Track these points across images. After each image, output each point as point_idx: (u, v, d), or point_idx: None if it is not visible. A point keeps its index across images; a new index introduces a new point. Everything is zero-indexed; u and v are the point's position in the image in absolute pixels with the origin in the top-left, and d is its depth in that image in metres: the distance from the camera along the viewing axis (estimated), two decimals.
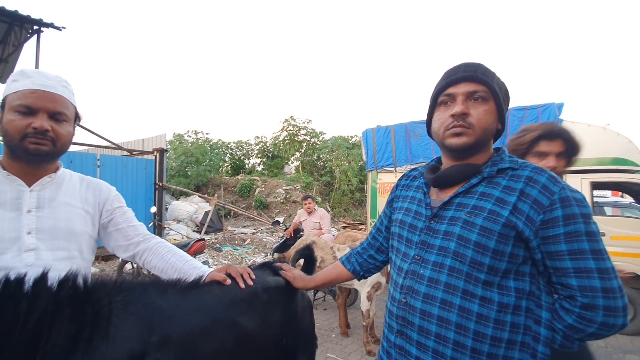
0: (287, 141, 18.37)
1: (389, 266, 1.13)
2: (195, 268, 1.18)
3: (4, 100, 1.01)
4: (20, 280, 0.75)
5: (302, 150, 18.56)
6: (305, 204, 5.30)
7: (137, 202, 7.53)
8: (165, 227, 8.30)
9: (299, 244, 4.06)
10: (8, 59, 7.55)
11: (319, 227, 5.18)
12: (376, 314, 3.63)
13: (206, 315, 1.00)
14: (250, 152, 21.18)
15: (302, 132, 18.56)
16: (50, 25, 6.82)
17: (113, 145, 8.23)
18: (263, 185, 15.46)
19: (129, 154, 8.49)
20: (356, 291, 4.14)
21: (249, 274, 1.18)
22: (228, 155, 20.50)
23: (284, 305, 1.26)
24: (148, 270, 1.22)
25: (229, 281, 1.12)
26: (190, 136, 18.48)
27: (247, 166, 20.86)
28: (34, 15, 6.60)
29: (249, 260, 7.62)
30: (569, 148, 1.42)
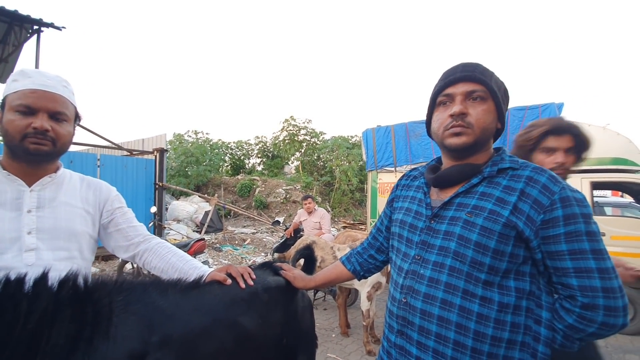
0: (287, 141, 18.37)
1: (389, 266, 1.13)
2: (195, 268, 1.18)
3: (4, 100, 1.01)
4: (20, 280, 0.75)
5: (302, 150, 18.56)
6: (306, 204, 5.30)
7: (137, 202, 7.53)
8: (165, 227, 8.30)
9: (299, 243, 4.07)
10: (8, 59, 7.55)
11: (319, 227, 5.18)
12: (376, 314, 3.63)
13: (207, 315, 1.00)
14: (250, 152, 21.19)
15: (302, 132, 18.56)
16: (50, 25, 6.82)
17: (113, 145, 8.24)
18: (263, 185, 15.46)
19: (129, 154, 8.49)
20: (356, 291, 4.14)
21: (249, 273, 1.18)
22: (228, 155, 20.50)
23: (284, 305, 1.26)
24: (148, 271, 1.22)
25: (229, 281, 1.12)
26: (190, 136, 18.49)
27: (247, 166, 20.86)
28: (34, 15, 6.61)
29: (249, 260, 7.63)
30: (579, 143, 1.38)
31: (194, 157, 15.99)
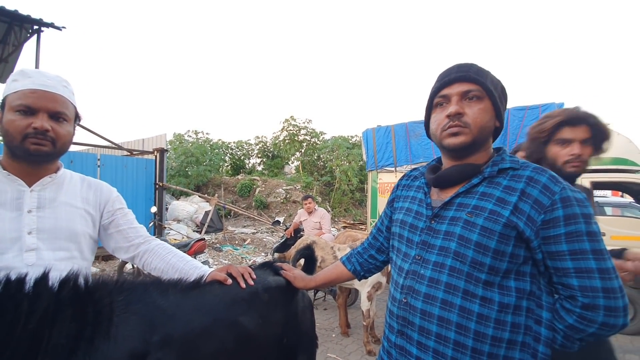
0: (287, 141, 18.37)
1: (389, 266, 1.13)
2: (196, 268, 1.18)
3: (4, 100, 1.01)
4: (21, 280, 0.75)
5: (302, 150, 18.56)
6: (306, 204, 5.30)
7: (137, 202, 7.54)
8: (165, 227, 8.30)
9: (300, 243, 4.07)
10: (8, 59, 7.55)
11: (319, 227, 5.18)
12: (376, 314, 3.63)
13: (207, 315, 1.00)
14: (250, 152, 21.19)
15: (302, 132, 18.56)
16: (51, 25, 6.82)
17: (113, 145, 8.24)
18: (263, 185, 15.46)
19: (129, 153, 8.49)
20: (356, 291, 4.14)
21: (249, 273, 1.18)
22: (228, 155, 20.51)
23: (284, 305, 1.26)
24: (149, 272, 1.22)
25: (230, 281, 1.12)
26: (190, 136, 18.49)
27: (247, 166, 20.86)
28: (34, 15, 6.61)
29: (249, 260, 7.63)
30: (596, 134, 1.31)
31: (194, 157, 15.99)
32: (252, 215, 11.36)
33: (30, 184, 1.04)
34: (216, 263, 7.10)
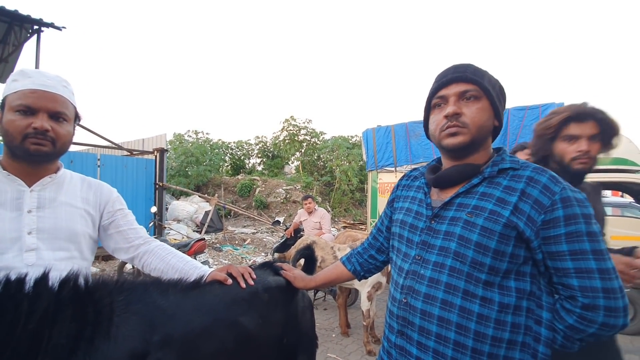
0: (287, 141, 18.37)
1: (389, 266, 1.13)
2: (196, 268, 1.18)
3: (3, 100, 1.01)
4: (21, 280, 0.75)
5: (302, 150, 18.56)
6: (306, 204, 5.30)
7: (137, 202, 7.53)
8: (165, 227, 8.30)
9: (300, 243, 4.07)
10: (8, 59, 7.55)
11: (319, 227, 5.18)
12: (376, 314, 3.63)
13: (207, 315, 1.00)
14: (250, 152, 21.19)
15: (302, 132, 18.56)
16: (51, 25, 6.82)
17: (113, 145, 8.24)
18: (263, 185, 15.46)
19: (129, 153, 8.49)
20: (356, 291, 4.14)
21: (249, 273, 1.18)
22: (228, 155, 20.51)
23: (284, 305, 1.26)
24: (148, 273, 1.22)
25: (230, 281, 1.12)
26: (190, 136, 18.50)
27: (247, 166, 20.86)
28: (34, 15, 6.61)
29: (249, 260, 7.63)
30: (604, 129, 1.27)
31: (194, 157, 15.99)
32: (252, 215, 11.36)
33: (30, 184, 1.04)
34: (216, 263, 7.10)
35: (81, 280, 0.82)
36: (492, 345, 0.82)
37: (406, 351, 0.92)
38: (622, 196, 7.56)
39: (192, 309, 0.98)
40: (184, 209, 11.70)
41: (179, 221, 11.01)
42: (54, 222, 1.05)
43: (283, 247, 5.17)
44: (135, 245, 1.22)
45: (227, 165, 20.33)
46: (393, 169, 6.51)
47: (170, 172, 15.52)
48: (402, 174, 1.19)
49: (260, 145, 20.75)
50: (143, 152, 8.56)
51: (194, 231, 9.90)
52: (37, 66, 6.91)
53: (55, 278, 0.79)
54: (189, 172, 15.77)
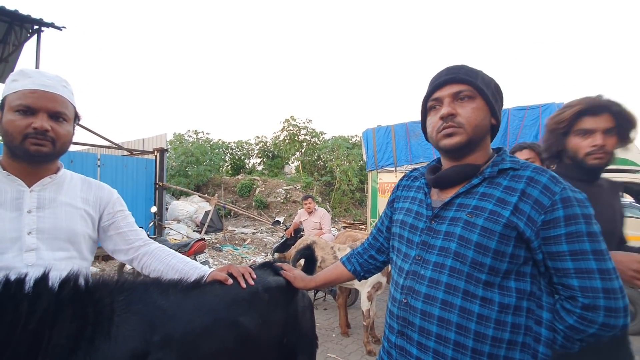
0: (287, 141, 18.38)
1: (389, 266, 1.13)
2: (196, 268, 1.18)
3: (3, 100, 1.01)
4: (21, 280, 0.75)
5: (303, 150, 18.57)
6: (306, 204, 5.31)
7: (137, 201, 7.54)
8: (165, 227, 8.30)
9: (300, 244, 4.07)
10: (8, 59, 7.54)
11: (320, 227, 5.18)
12: (376, 314, 3.63)
13: (208, 315, 1.00)
14: (250, 152, 21.20)
15: (303, 132, 18.57)
16: (51, 25, 6.81)
17: (113, 145, 8.24)
18: (263, 185, 15.46)
19: (129, 153, 8.49)
20: (356, 291, 4.14)
21: (250, 273, 1.18)
22: (228, 155, 20.52)
23: (284, 305, 1.26)
24: (148, 274, 1.22)
25: (230, 281, 1.12)
26: (190, 136, 18.52)
27: (247, 166, 20.87)
28: (34, 15, 6.60)
29: (249, 260, 7.63)
30: (620, 122, 1.22)
31: (194, 157, 16.00)
32: (252, 215, 11.36)
33: (30, 184, 1.04)
34: (216, 263, 7.10)
35: (81, 281, 0.82)
36: (492, 345, 0.82)
37: (406, 351, 0.92)
38: (622, 196, 7.56)
39: (193, 309, 0.98)
40: (184, 209, 11.71)
41: (179, 221, 11.01)
42: (53, 223, 1.05)
43: (283, 247, 5.17)
44: (135, 247, 1.22)
45: (227, 165, 20.34)
46: (393, 169, 6.51)
47: (170, 172, 15.53)
48: (402, 174, 1.19)
49: (260, 145, 20.76)
50: (143, 152, 8.56)
51: (194, 231, 9.90)
52: (37, 66, 6.91)
53: (55, 278, 0.79)
54: (189, 172, 15.77)
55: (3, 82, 8.21)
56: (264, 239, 10.00)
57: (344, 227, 9.50)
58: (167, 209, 10.16)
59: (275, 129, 29.28)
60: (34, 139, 0.98)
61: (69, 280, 0.81)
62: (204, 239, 5.03)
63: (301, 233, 5.26)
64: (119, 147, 8.37)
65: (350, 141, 18.33)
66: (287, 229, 5.47)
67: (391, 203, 1.16)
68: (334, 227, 10.65)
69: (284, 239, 5.41)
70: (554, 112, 1.40)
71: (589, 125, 1.24)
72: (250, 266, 1.26)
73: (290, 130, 18.39)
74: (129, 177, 7.59)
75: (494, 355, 0.82)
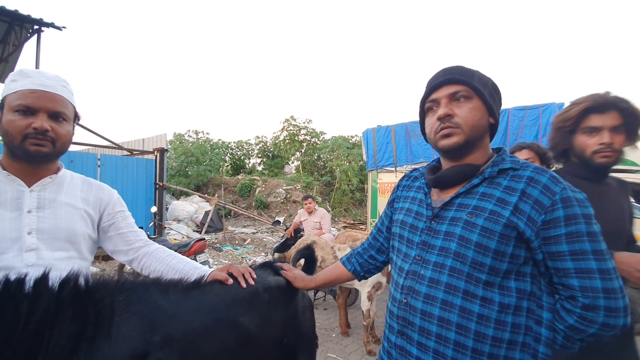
0: (287, 141, 18.38)
1: (389, 266, 1.13)
2: (196, 268, 1.18)
3: (3, 100, 1.01)
4: (21, 280, 0.75)
5: (303, 150, 18.58)
6: (306, 204, 5.31)
7: (137, 201, 7.54)
8: (165, 227, 8.30)
9: (300, 243, 4.07)
10: (8, 59, 7.54)
11: (320, 227, 5.18)
12: (376, 314, 3.63)
13: (208, 315, 1.00)
14: (250, 152, 21.20)
15: (303, 132, 18.57)
16: (51, 25, 6.81)
17: (113, 145, 8.24)
18: (263, 185, 15.46)
19: (129, 153, 8.49)
20: (356, 291, 4.14)
21: (250, 273, 1.18)
22: (228, 155, 20.52)
23: (284, 305, 1.26)
24: (147, 274, 1.23)
25: (231, 280, 1.12)
26: (190, 136, 18.52)
27: (247, 166, 20.87)
28: (35, 15, 6.60)
29: (250, 260, 7.63)
30: (629, 120, 1.19)
31: (194, 157, 16.00)
32: (252, 215, 11.36)
33: (30, 184, 1.04)
34: (216, 263, 7.10)
35: (81, 281, 0.82)
36: (492, 345, 0.82)
37: (406, 351, 0.92)
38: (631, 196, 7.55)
39: (193, 309, 0.98)
40: (184, 208, 11.71)
41: (179, 221, 11.01)
42: (53, 223, 1.05)
43: (283, 247, 5.17)
44: (135, 248, 1.22)
45: (227, 165, 20.34)
46: (393, 169, 6.51)
47: (170, 172, 15.53)
48: (402, 174, 1.19)
49: (260, 145, 20.76)
50: (143, 152, 8.56)
51: (194, 231, 9.90)
52: (37, 66, 6.91)
53: (55, 278, 0.79)
54: (189, 172, 15.78)
55: (3, 82, 8.20)
56: (264, 239, 10.00)
57: (344, 227, 9.51)
58: (167, 209, 10.16)
59: (275, 129, 29.32)
60: (34, 139, 0.98)
61: (69, 280, 0.81)
62: (204, 239, 5.03)
63: (301, 233, 5.26)
64: (119, 147, 8.37)
65: (350, 141, 18.33)
66: (287, 229, 5.47)
67: (391, 203, 1.16)
68: (334, 227, 10.65)
69: (284, 239, 5.40)
70: (554, 111, 1.39)
71: (596, 123, 1.22)
72: (250, 266, 1.26)
73: (290, 130, 18.40)
74: (129, 177, 7.59)
75: (494, 355, 0.82)
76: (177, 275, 1.15)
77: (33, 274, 0.77)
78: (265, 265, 1.36)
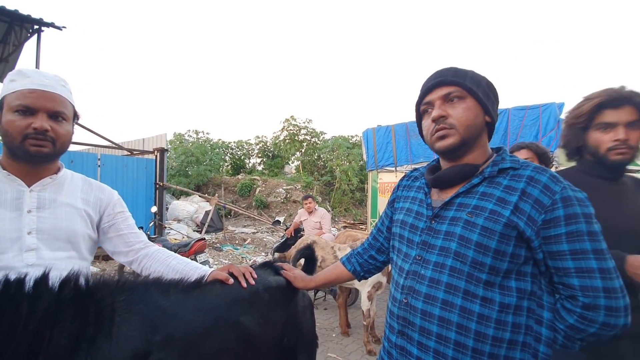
0: (287, 141, 18.38)
1: (389, 266, 1.13)
2: (196, 269, 1.18)
3: (2, 100, 1.00)
4: (21, 280, 0.75)
5: (303, 150, 18.58)
6: (306, 204, 5.31)
7: (137, 201, 7.54)
8: (165, 227, 8.30)
9: (300, 243, 4.07)
10: (8, 59, 7.54)
11: (320, 226, 5.18)
12: (377, 314, 3.63)
13: (208, 315, 1.00)
14: (250, 152, 21.20)
15: (303, 131, 18.57)
16: (51, 24, 6.81)
17: (114, 145, 8.24)
18: (263, 185, 15.46)
19: (129, 153, 8.49)
20: (357, 291, 4.14)
21: (250, 273, 1.18)
22: (228, 154, 20.52)
23: (285, 304, 1.26)
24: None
25: (232, 280, 1.12)
26: (190, 136, 18.52)
27: (247, 166, 20.87)
28: (35, 15, 6.60)
29: (250, 260, 7.63)
30: None
31: (194, 156, 16.00)
32: (252, 215, 11.37)
33: (30, 184, 1.04)
34: (216, 263, 7.10)
35: (82, 280, 0.82)
36: (492, 345, 0.82)
37: (407, 351, 0.92)
38: None
39: (194, 308, 0.98)
40: (184, 208, 11.71)
41: (179, 221, 11.01)
42: (53, 223, 1.05)
43: (283, 246, 5.17)
44: (135, 249, 1.22)
45: (228, 165, 20.34)
46: (393, 168, 6.51)
47: (170, 172, 15.53)
48: (403, 174, 1.19)
49: (260, 145, 20.76)
50: (143, 152, 8.56)
51: (194, 231, 9.91)
52: (37, 66, 6.91)
53: (55, 278, 0.79)
54: (189, 172, 15.78)
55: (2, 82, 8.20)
56: (264, 239, 10.00)
57: (344, 227, 9.51)
58: (167, 208, 10.17)
59: (275, 128, 29.34)
60: (33, 140, 0.98)
61: (70, 280, 0.81)
62: (204, 238, 5.03)
63: (301, 233, 5.26)
64: (119, 147, 8.37)
65: (350, 141, 18.33)
66: (287, 228, 5.47)
67: (391, 203, 1.16)
68: (334, 227, 10.66)
69: (284, 239, 5.40)
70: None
71: (611, 119, 1.17)
72: (250, 266, 1.26)
73: (291, 130, 18.39)
74: (129, 177, 7.59)
75: (494, 354, 0.82)
76: (178, 276, 1.15)
77: (33, 274, 0.77)
78: (266, 265, 1.36)
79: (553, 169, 1.31)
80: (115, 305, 0.83)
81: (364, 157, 7.07)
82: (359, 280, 1.32)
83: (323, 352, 3.32)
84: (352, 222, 11.55)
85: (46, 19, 6.73)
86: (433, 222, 0.93)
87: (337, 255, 3.53)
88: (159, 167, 8.05)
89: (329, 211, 10.83)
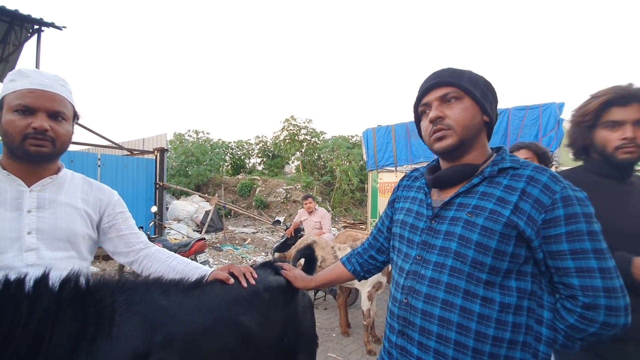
0: (287, 141, 18.38)
1: (390, 266, 1.13)
2: (197, 269, 1.18)
3: (2, 100, 1.00)
4: (21, 280, 0.75)
5: (303, 150, 18.58)
6: (306, 204, 5.31)
7: (137, 201, 7.54)
8: (165, 227, 8.30)
9: (300, 243, 4.07)
10: (8, 59, 7.54)
11: (320, 226, 5.18)
12: (377, 314, 3.63)
13: (209, 315, 1.00)
14: (250, 152, 21.20)
15: (303, 131, 18.57)
16: (51, 24, 6.81)
17: (114, 145, 8.24)
18: (263, 185, 15.46)
19: (129, 153, 8.49)
20: (357, 291, 4.14)
21: (251, 273, 1.18)
22: (228, 154, 20.52)
23: (285, 304, 1.26)
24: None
25: (232, 280, 1.12)
26: (190, 136, 18.52)
27: (247, 166, 20.87)
28: (35, 15, 6.60)
29: (250, 260, 7.63)
30: None
31: (194, 156, 16.01)
32: (252, 215, 11.37)
33: (30, 184, 1.04)
34: (216, 263, 7.10)
35: (82, 280, 0.82)
36: (493, 345, 0.82)
37: (407, 351, 0.92)
38: None
39: (194, 308, 0.98)
40: (184, 208, 11.71)
41: (179, 221, 11.01)
42: (53, 223, 1.05)
43: (283, 246, 5.17)
44: (136, 250, 1.22)
45: (228, 165, 20.34)
46: (393, 168, 6.51)
47: (170, 172, 15.54)
48: (403, 174, 1.19)
49: (260, 145, 20.76)
50: (143, 152, 8.57)
51: (194, 231, 9.91)
52: (37, 66, 6.91)
53: (55, 278, 0.79)
54: (189, 172, 15.78)
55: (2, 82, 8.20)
56: (264, 239, 10.00)
57: (344, 227, 9.51)
58: (167, 208, 10.17)
59: (276, 128, 29.35)
60: (33, 140, 0.98)
61: (70, 280, 0.81)
62: (204, 238, 5.04)
63: (301, 233, 5.26)
64: (119, 147, 8.37)
65: (351, 141, 18.33)
66: (287, 228, 5.47)
67: (392, 203, 1.16)
68: (334, 227, 10.65)
69: (284, 239, 5.41)
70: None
71: (618, 117, 1.15)
72: (250, 266, 1.26)
73: (291, 130, 18.39)
74: (129, 177, 7.59)
75: (494, 354, 0.82)
76: (178, 276, 1.15)
77: (33, 274, 0.77)
78: (266, 265, 1.36)
79: (553, 169, 1.30)
80: (116, 305, 0.83)
81: (364, 157, 7.06)
82: (359, 280, 1.32)
83: (323, 352, 3.32)
84: (352, 222, 11.56)
85: (46, 19, 6.74)
86: (433, 222, 0.93)
87: (337, 255, 3.53)
88: (159, 167, 8.05)
89: (329, 211, 10.83)
